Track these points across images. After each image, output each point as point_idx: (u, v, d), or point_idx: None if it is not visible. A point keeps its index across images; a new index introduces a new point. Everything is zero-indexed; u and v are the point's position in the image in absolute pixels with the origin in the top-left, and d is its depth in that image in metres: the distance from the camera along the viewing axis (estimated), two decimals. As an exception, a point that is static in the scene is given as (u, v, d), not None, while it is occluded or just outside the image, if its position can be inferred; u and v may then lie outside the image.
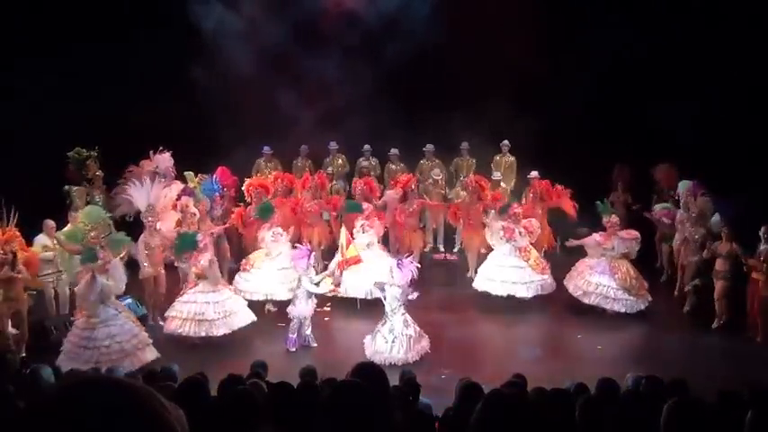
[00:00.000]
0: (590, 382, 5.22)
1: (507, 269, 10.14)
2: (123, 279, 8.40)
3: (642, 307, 9.71)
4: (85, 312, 8.13)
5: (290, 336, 8.78)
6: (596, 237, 10.04)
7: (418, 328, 8.45)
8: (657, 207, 10.95)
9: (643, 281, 9.86)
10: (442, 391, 6.17)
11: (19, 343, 8.37)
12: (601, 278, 9.73)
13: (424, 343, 8.46)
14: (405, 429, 4.07)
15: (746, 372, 7.58)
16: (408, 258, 8.86)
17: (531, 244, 10.45)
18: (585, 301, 9.81)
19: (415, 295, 8.44)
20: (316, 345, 8.88)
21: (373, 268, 9.51)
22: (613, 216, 10.05)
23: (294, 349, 8.72)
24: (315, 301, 9.00)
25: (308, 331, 8.90)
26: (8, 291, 8.22)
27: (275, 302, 9.85)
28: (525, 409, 2.53)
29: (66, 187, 10.78)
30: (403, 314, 8.32)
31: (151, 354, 8.26)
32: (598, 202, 10.31)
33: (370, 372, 2.95)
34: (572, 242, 10.43)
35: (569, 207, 11.09)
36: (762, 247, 8.77)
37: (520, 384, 4.91)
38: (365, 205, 10.94)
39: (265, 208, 10.48)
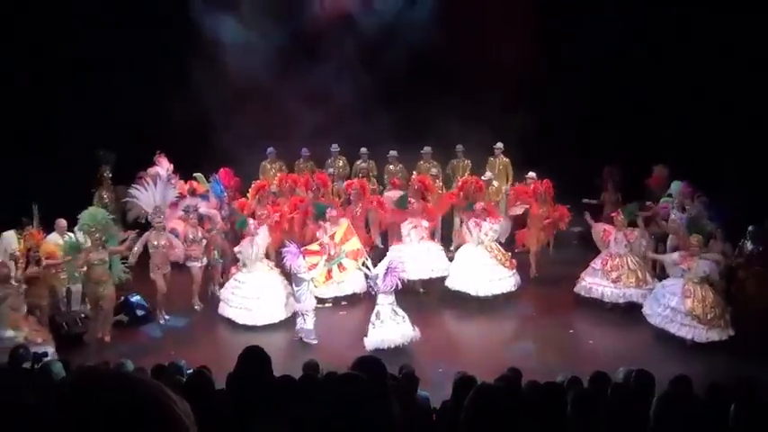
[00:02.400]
0: (584, 376, 5.37)
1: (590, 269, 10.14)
2: (267, 240, 10.03)
3: (715, 338, 8.72)
4: (242, 267, 9.66)
5: (308, 329, 8.92)
6: (675, 256, 9.36)
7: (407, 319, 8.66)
8: (662, 200, 10.88)
9: (725, 310, 8.88)
10: (439, 385, 6.31)
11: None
12: (670, 300, 9.01)
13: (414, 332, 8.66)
14: (403, 421, 4.20)
15: (735, 366, 7.74)
16: (399, 267, 8.89)
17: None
18: (651, 321, 9.16)
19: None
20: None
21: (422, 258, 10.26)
22: (696, 237, 9.14)
23: (316, 341, 8.87)
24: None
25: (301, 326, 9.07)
26: (33, 287, 8.48)
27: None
28: (512, 402, 2.63)
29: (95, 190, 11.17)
30: (390, 303, 8.59)
31: (282, 314, 9.45)
32: (692, 224, 9.64)
33: (370, 365, 3.06)
34: (651, 255, 10.02)
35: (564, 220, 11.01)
36: (748, 246, 8.84)
37: (511, 378, 5.03)
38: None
39: (403, 199, 10.91)
